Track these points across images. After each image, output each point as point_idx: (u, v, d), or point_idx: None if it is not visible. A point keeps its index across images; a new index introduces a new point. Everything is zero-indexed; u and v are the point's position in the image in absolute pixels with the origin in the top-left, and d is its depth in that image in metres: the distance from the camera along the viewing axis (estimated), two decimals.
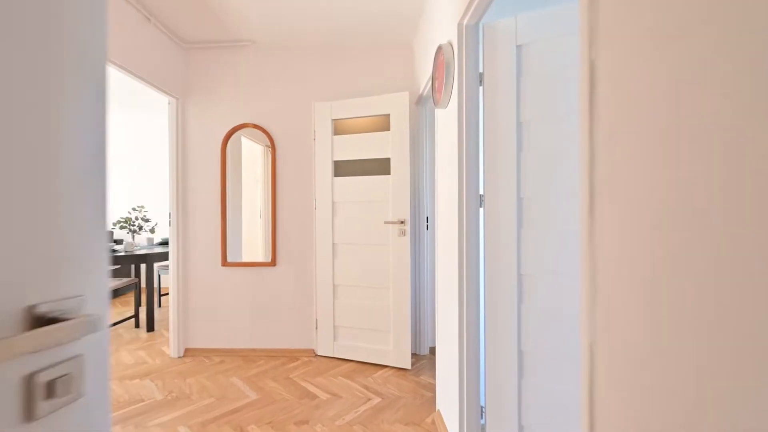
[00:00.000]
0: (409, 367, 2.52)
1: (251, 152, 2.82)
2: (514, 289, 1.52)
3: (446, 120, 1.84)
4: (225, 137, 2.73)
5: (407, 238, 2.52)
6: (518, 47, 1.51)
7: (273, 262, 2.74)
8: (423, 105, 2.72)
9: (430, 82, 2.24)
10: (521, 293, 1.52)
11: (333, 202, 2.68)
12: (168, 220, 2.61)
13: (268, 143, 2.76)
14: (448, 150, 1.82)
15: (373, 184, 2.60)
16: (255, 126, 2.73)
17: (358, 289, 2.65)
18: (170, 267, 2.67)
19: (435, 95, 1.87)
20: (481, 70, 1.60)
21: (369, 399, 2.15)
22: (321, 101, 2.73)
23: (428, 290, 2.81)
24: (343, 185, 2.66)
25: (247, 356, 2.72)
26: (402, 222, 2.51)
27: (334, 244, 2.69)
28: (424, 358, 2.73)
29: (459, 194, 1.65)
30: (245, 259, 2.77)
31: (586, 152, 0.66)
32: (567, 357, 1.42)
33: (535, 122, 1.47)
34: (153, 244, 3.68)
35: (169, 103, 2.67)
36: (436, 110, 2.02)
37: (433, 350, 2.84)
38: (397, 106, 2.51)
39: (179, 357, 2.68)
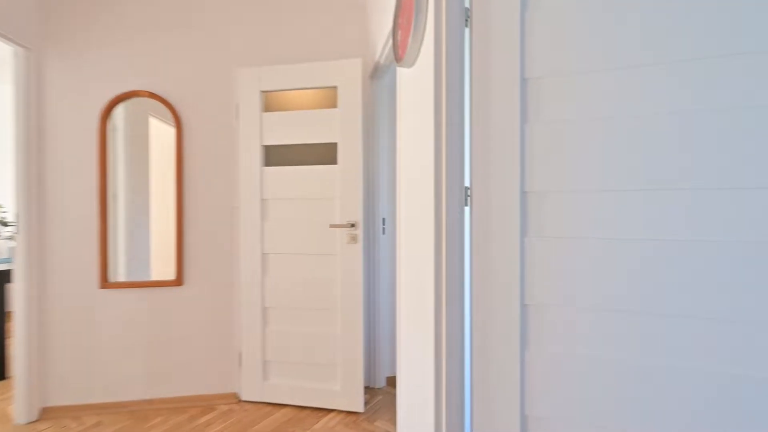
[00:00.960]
0: (361, 409, 1.98)
1: (164, 137, 2.08)
2: (515, 327, 1.04)
3: (415, 83, 1.32)
4: (105, 109, 1.97)
5: (359, 246, 1.97)
6: None
7: (178, 281, 2.03)
8: (380, 78, 2.19)
9: (391, 39, 1.71)
10: (526, 332, 1.04)
11: (262, 200, 2.05)
12: (16, 224, 1.82)
13: (172, 120, 2.05)
14: (418, 125, 1.30)
15: (315, 177, 2.01)
16: (151, 95, 2.01)
17: (295, 313, 2.05)
18: (17, 291, 1.86)
19: (398, 50, 1.34)
20: (467, 5, 1.10)
21: None
22: (246, 66, 2.08)
23: (385, 307, 2.28)
24: (276, 178, 2.05)
25: (139, 412, 1.99)
26: (353, 225, 1.96)
27: (263, 254, 2.06)
28: (379, 393, 2.20)
29: (436, 188, 1.14)
30: (156, 277, 2.04)
31: None
32: (600, 427, 0.96)
33: (550, 79, 0.99)
34: None
35: (15, 55, 1.85)
36: (399, 72, 1.50)
37: (391, 381, 2.32)
38: (347, 76, 1.95)
39: (30, 422, 1.87)
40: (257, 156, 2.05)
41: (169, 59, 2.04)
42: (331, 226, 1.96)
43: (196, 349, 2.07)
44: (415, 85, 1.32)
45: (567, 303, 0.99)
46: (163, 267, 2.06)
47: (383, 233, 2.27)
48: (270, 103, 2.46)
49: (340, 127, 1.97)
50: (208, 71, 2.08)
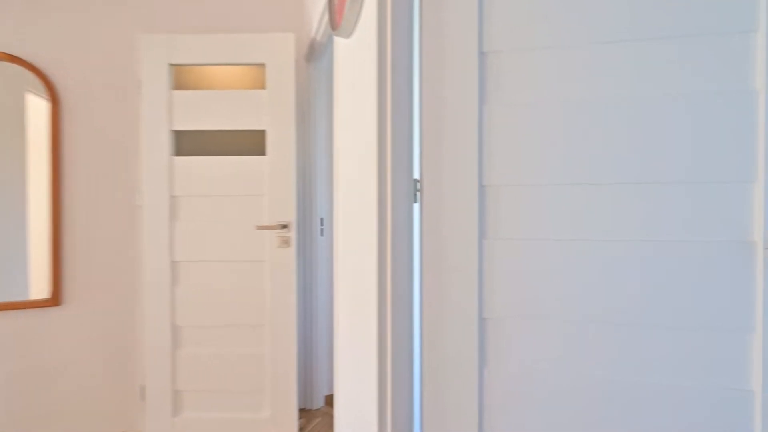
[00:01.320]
0: None
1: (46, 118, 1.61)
2: (473, 342, 0.89)
3: (354, 56, 1.12)
4: None
5: (292, 250, 1.71)
6: None
7: (55, 300, 1.59)
8: (317, 60, 1.95)
9: (327, 12, 1.48)
10: (484, 349, 0.89)
11: (172, 197, 1.70)
12: None
13: (46, 93, 1.60)
14: (358, 107, 1.09)
15: (239, 170, 1.71)
16: (11, 58, 1.55)
17: (214, 331, 1.72)
18: None
19: (334, 16, 1.13)
20: None
21: None
22: (152, 33, 1.71)
23: (323, 319, 2.05)
24: (190, 170, 1.71)
25: None
26: (284, 226, 1.70)
27: (173, 262, 1.70)
28: (317, 415, 1.96)
29: (379, 180, 0.94)
30: (38, 294, 1.57)
31: None
32: None
33: (513, 54, 0.85)
34: None
35: None
36: (337, 45, 1.28)
37: (329, 400, 2.09)
38: (277, 52, 1.69)
39: None
40: (165, 143, 1.68)
41: (46, 16, 1.59)
42: (258, 227, 1.68)
43: (82, 384, 1.64)
44: (354, 60, 1.12)
45: (531, 315, 0.85)
46: (47, 282, 1.61)
47: (321, 235, 2.03)
48: (183, 79, 2.08)
49: (269, 111, 1.70)
50: (101, 36, 1.67)
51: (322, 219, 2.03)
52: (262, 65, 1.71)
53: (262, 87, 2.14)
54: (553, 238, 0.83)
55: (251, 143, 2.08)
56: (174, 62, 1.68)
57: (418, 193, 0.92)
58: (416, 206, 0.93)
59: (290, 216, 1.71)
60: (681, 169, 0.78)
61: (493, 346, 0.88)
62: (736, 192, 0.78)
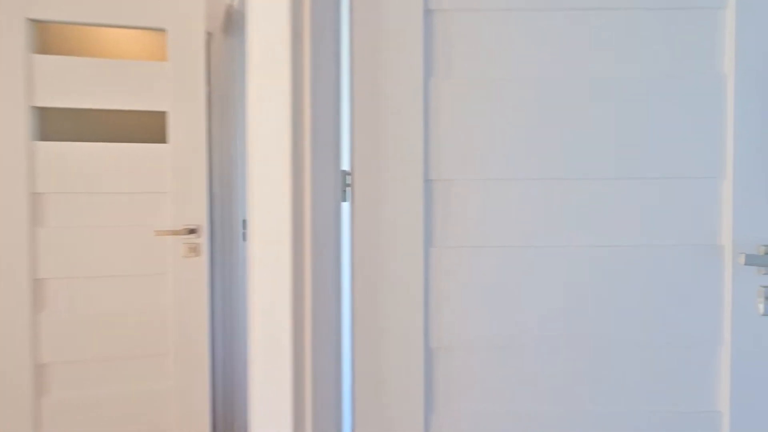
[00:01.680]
0: None
1: None
2: (418, 380, 0.70)
3: (267, 14, 0.87)
4: None
5: (203, 259, 1.41)
6: None
7: None
8: (238, 34, 1.64)
9: None
10: (431, 387, 0.71)
11: (33, 195, 1.30)
12: None
13: None
14: (272, 81, 0.85)
15: (131, 161, 1.37)
16: None
17: (98, 368, 1.36)
18: None
19: None
20: None
21: None
22: None
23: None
24: (62, 160, 1.32)
25: None
26: (193, 231, 1.39)
27: (36, 280, 1.30)
28: None
29: (294, 172, 0.71)
30: None
31: None
32: None
33: (469, 15, 0.67)
34: None
35: None
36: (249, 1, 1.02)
37: None
38: (183, 16, 1.37)
39: None
40: (21, 123, 1.28)
41: None
42: (158, 233, 1.35)
43: None
44: (268, 18, 0.88)
45: (487, 343, 0.68)
46: None
47: (244, 240, 1.73)
48: (47, 39, 1.64)
49: (172, 89, 1.37)
50: None
51: (245, 221, 1.72)
52: (163, 31, 1.38)
53: (157, 57, 1.77)
54: (515, 245, 0.67)
55: (151, 128, 1.71)
56: (35, 17, 1.28)
57: (348, 189, 0.71)
58: (345, 206, 0.72)
59: (200, 218, 1.40)
60: (642, 163, 0.67)
61: (442, 384, 0.70)
62: (702, 190, 0.69)
